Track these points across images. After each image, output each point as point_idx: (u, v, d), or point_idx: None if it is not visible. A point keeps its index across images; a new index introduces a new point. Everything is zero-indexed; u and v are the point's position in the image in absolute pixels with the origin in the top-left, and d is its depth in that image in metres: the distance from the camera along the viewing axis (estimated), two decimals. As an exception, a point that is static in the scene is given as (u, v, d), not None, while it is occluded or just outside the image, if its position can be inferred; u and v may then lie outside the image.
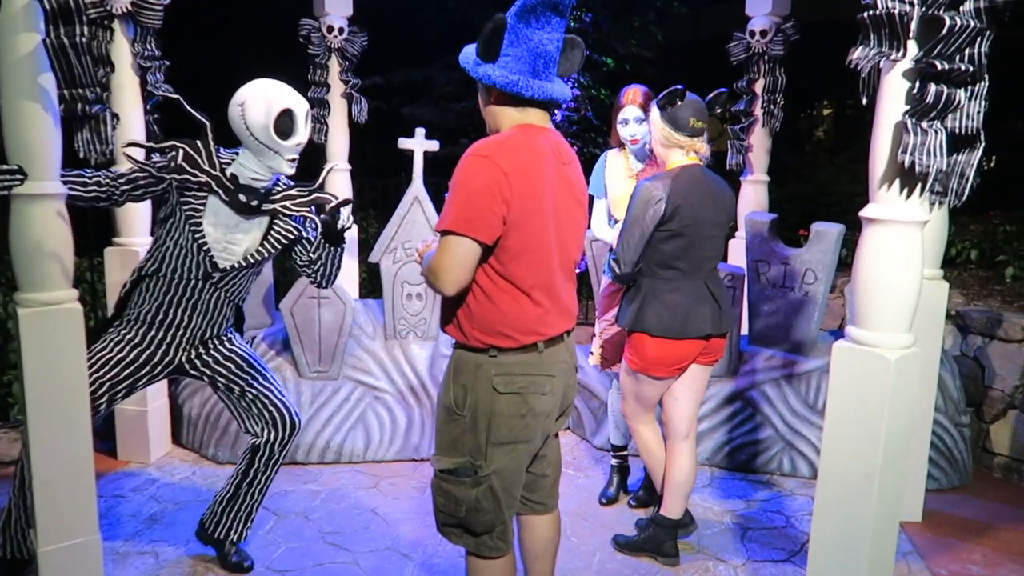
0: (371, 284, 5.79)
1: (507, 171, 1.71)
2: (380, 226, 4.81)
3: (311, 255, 2.58)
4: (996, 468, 3.77)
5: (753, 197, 4.48)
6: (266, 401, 2.63)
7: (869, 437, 2.06)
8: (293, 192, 2.53)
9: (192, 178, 2.39)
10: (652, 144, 2.67)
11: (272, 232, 2.53)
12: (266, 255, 2.53)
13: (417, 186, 3.78)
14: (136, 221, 3.55)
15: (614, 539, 2.97)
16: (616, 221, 3.06)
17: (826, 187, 7.60)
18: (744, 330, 3.97)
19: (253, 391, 2.63)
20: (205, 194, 2.42)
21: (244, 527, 2.74)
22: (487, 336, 1.83)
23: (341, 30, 4.37)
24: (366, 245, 4.76)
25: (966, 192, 2.00)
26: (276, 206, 2.50)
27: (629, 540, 2.93)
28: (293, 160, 2.44)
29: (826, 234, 3.60)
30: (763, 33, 4.18)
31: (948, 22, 1.80)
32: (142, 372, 2.52)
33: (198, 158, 2.40)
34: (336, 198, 2.48)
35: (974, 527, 3.19)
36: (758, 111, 4.35)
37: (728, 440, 3.68)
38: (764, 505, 3.34)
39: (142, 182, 2.43)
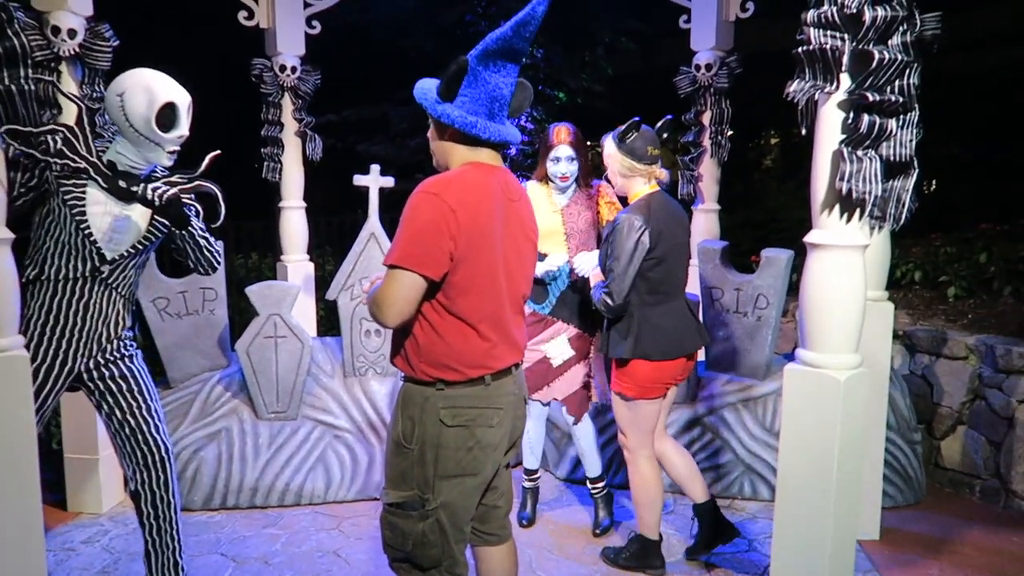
0: (328, 321, 5.74)
1: (455, 208, 1.75)
2: (336, 263, 4.79)
3: (193, 242, 2.53)
4: (948, 483, 3.86)
5: (705, 225, 4.58)
6: (141, 437, 2.53)
7: (823, 457, 2.11)
8: (174, 179, 2.47)
9: (71, 163, 2.33)
10: (609, 175, 2.75)
11: (155, 219, 2.47)
12: (152, 241, 2.49)
13: (373, 222, 3.79)
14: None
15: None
16: (543, 255, 3.12)
17: (776, 213, 7.80)
18: (700, 356, 4.03)
19: (131, 424, 2.52)
20: (84, 181, 2.37)
21: (179, 566, 2.64)
22: (434, 369, 1.85)
23: (294, 69, 4.38)
24: (323, 282, 4.73)
25: (903, 216, 2.08)
26: (157, 195, 2.41)
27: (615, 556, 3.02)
28: (173, 152, 2.40)
29: (776, 260, 3.69)
30: (708, 67, 4.31)
31: (877, 56, 1.90)
32: (46, 389, 2.42)
33: (76, 143, 2.35)
34: (215, 187, 2.46)
35: (931, 543, 3.25)
36: (706, 142, 4.47)
37: (689, 466, 3.71)
38: (727, 529, 3.36)
39: (26, 175, 2.34)
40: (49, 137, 2.33)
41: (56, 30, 3.14)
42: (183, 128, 2.39)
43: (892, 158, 2.02)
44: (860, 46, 1.94)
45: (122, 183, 2.38)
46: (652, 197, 2.70)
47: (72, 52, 3.21)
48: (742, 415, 3.72)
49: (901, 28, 1.97)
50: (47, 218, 2.38)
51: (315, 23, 4.38)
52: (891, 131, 1.96)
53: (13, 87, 2.20)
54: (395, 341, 1.94)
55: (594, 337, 3.23)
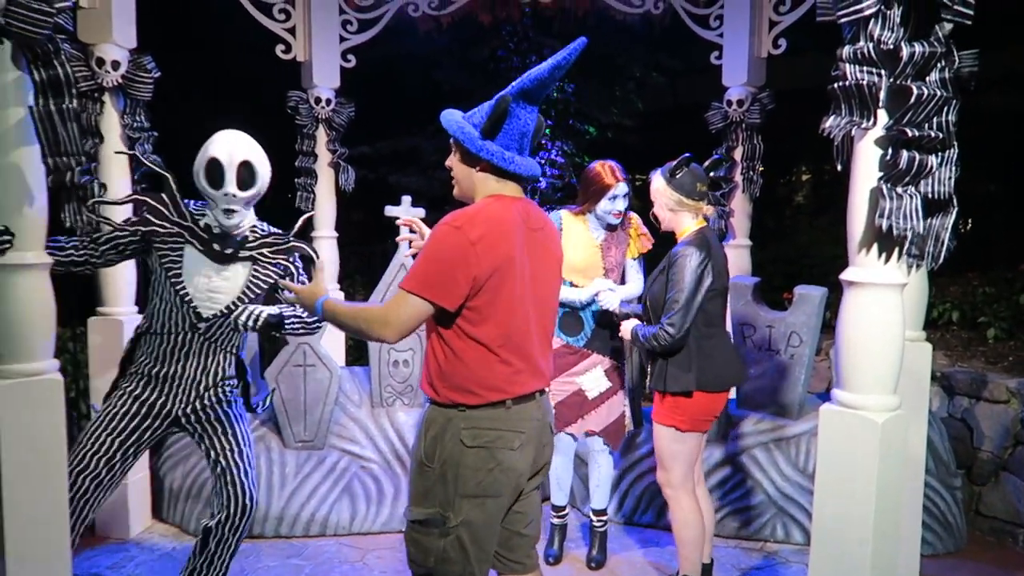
0: (357, 351, 5.76)
1: (475, 241, 1.82)
2: (366, 293, 4.82)
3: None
4: (990, 531, 3.72)
5: (736, 261, 4.53)
6: (228, 478, 2.60)
7: (860, 502, 2.05)
8: (269, 240, 2.58)
9: (160, 230, 2.46)
10: (656, 210, 2.74)
11: (252, 279, 2.57)
12: (251, 299, 2.56)
13: (403, 253, 3.81)
14: (121, 290, 3.53)
15: None
16: (571, 284, 3.13)
17: (807, 249, 7.72)
18: (732, 393, 3.96)
19: (222, 464, 2.61)
20: (180, 245, 2.49)
21: None
22: (454, 393, 1.90)
23: (328, 101, 4.46)
24: (352, 312, 4.75)
25: (942, 255, 2.04)
26: (253, 253, 2.55)
27: None
28: (228, 211, 2.45)
29: (809, 297, 3.64)
30: (740, 103, 4.30)
31: (916, 91, 1.87)
32: (145, 424, 2.56)
33: (164, 210, 2.47)
34: (311, 248, 2.61)
35: (971, 593, 3.13)
36: (738, 177, 4.44)
37: (719, 507, 3.63)
38: (758, 574, 3.27)
39: (123, 240, 2.49)
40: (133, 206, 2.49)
41: (100, 61, 3.24)
42: (229, 186, 2.43)
43: (931, 196, 1.98)
44: (897, 82, 1.92)
45: (216, 246, 2.49)
46: (702, 232, 2.72)
47: (115, 83, 3.31)
48: (774, 455, 3.64)
49: (939, 64, 1.94)
50: (151, 276, 2.52)
51: (350, 57, 4.47)
52: (931, 168, 1.92)
53: (54, 111, 2.25)
54: (425, 368, 2.00)
55: (623, 367, 3.20)
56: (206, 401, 2.61)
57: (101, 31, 3.23)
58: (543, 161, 7.34)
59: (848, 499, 2.07)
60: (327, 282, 4.66)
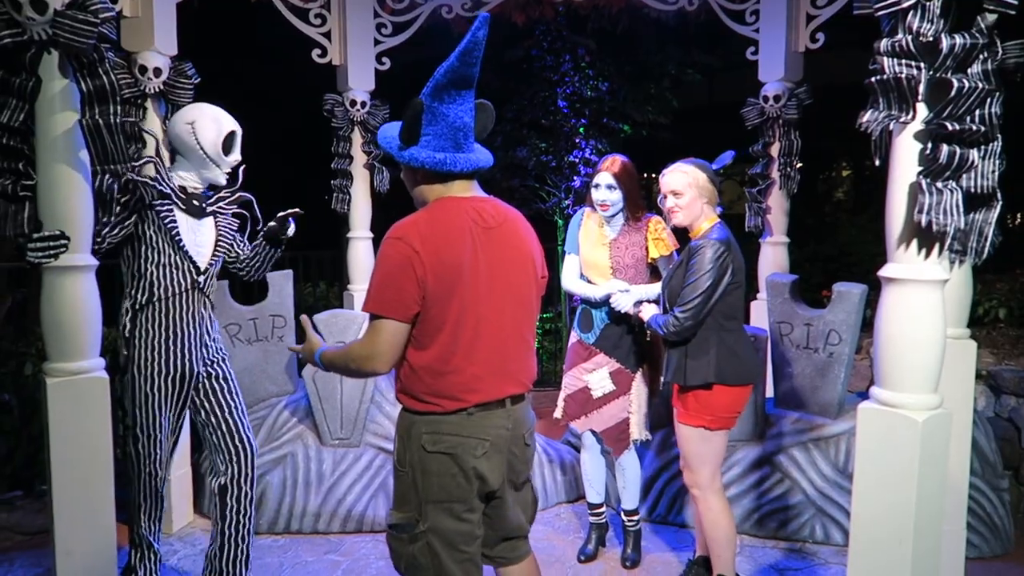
0: (393, 350, 5.81)
1: (418, 249, 1.79)
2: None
3: (246, 252, 2.94)
4: (1039, 534, 3.62)
5: (773, 259, 4.48)
6: (234, 435, 2.83)
7: (900, 502, 2.01)
8: (223, 194, 2.85)
9: (161, 188, 2.63)
10: (686, 202, 2.69)
11: (219, 229, 2.82)
12: (226, 248, 2.83)
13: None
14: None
15: None
16: (588, 280, 3.17)
17: (847, 247, 7.58)
18: (769, 392, 3.92)
19: (228, 422, 2.82)
20: (171, 207, 2.67)
21: (248, 558, 2.88)
22: (414, 402, 1.91)
23: (364, 104, 4.51)
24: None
25: (986, 250, 1.99)
26: (214, 208, 2.81)
27: None
28: (228, 173, 2.77)
29: (849, 295, 3.58)
30: (776, 98, 4.25)
31: (956, 84, 1.83)
32: (176, 396, 2.73)
33: (161, 171, 2.68)
34: (250, 197, 2.89)
35: (1019, 597, 3.05)
36: (775, 174, 4.39)
37: (757, 506, 3.59)
38: (797, 575, 3.23)
39: (128, 220, 2.60)
40: (143, 168, 2.64)
41: (143, 69, 3.32)
42: (237, 153, 2.77)
43: (973, 190, 1.94)
44: (937, 75, 1.88)
45: (195, 203, 2.73)
46: (722, 223, 2.73)
47: (157, 89, 3.39)
48: (813, 455, 3.58)
49: (981, 56, 1.90)
50: (141, 247, 2.64)
51: (385, 59, 4.51)
52: (972, 162, 1.88)
53: (102, 122, 2.32)
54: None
55: (635, 373, 3.17)
56: (211, 356, 2.81)
57: (143, 39, 3.31)
58: (577, 160, 7.32)
59: (887, 499, 2.03)
60: (359, 283, 4.71)
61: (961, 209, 1.90)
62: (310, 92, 4.81)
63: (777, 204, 4.44)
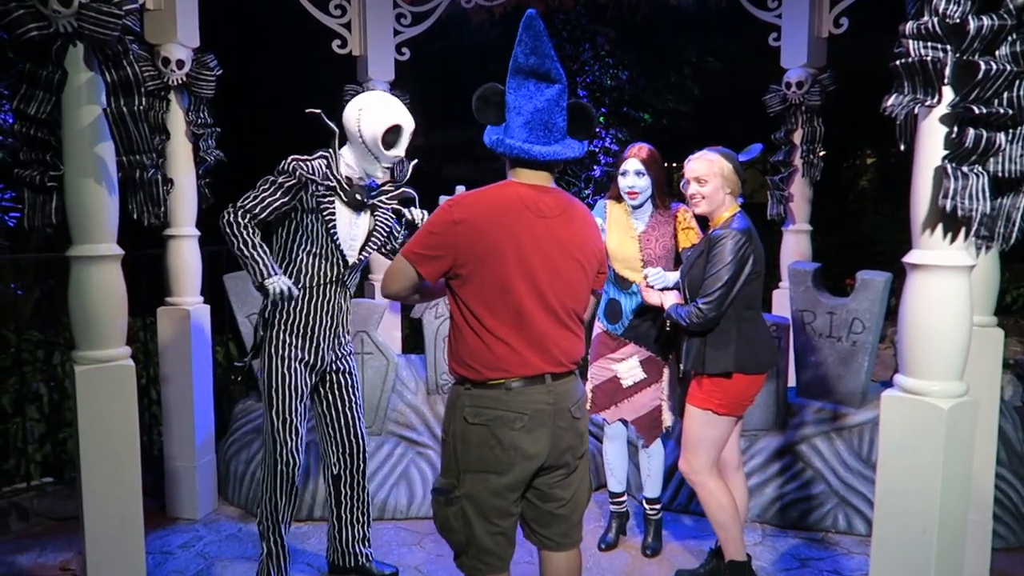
0: (413, 340, 5.84)
1: (459, 221, 1.93)
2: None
3: (396, 245, 2.91)
4: (1067, 525, 3.56)
5: (795, 247, 4.44)
6: (351, 429, 2.90)
7: (925, 491, 1.99)
8: (386, 188, 2.82)
9: (318, 185, 2.61)
10: (710, 191, 2.68)
11: (375, 225, 2.79)
12: (377, 245, 2.82)
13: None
14: (188, 281, 3.66)
15: None
16: (616, 273, 3.15)
17: (872, 236, 7.50)
18: (791, 381, 3.89)
19: (347, 416, 2.88)
20: (332, 197, 2.65)
21: (367, 538, 3.02)
22: (460, 368, 2.01)
23: (384, 94, 4.51)
24: (409, 301, 4.81)
25: (1013, 236, 1.96)
26: (376, 201, 2.78)
27: None
28: (387, 168, 2.71)
29: (872, 283, 3.54)
30: (799, 85, 4.20)
31: (984, 67, 1.80)
32: (303, 382, 2.74)
33: (333, 164, 2.65)
34: (414, 194, 2.87)
35: (1046, 589, 3.01)
36: (797, 161, 4.34)
37: (779, 496, 3.57)
38: (819, 565, 3.21)
39: (278, 204, 2.59)
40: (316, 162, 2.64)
41: (166, 61, 3.36)
42: (401, 149, 2.68)
43: (1001, 174, 1.90)
44: (964, 57, 1.85)
45: (358, 196, 2.70)
46: (742, 212, 2.72)
47: (180, 81, 3.42)
48: (836, 444, 3.56)
49: (1009, 38, 1.86)
50: (297, 233, 2.68)
51: (404, 50, 4.51)
52: (999, 145, 1.85)
53: (126, 112, 2.35)
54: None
55: (666, 362, 3.17)
56: (343, 350, 2.85)
57: (166, 31, 3.35)
58: (597, 149, 7.29)
59: (912, 488, 2.01)
60: (379, 272, 4.73)
61: (988, 194, 1.87)
62: (331, 83, 4.82)
63: (799, 192, 4.40)
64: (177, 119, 3.53)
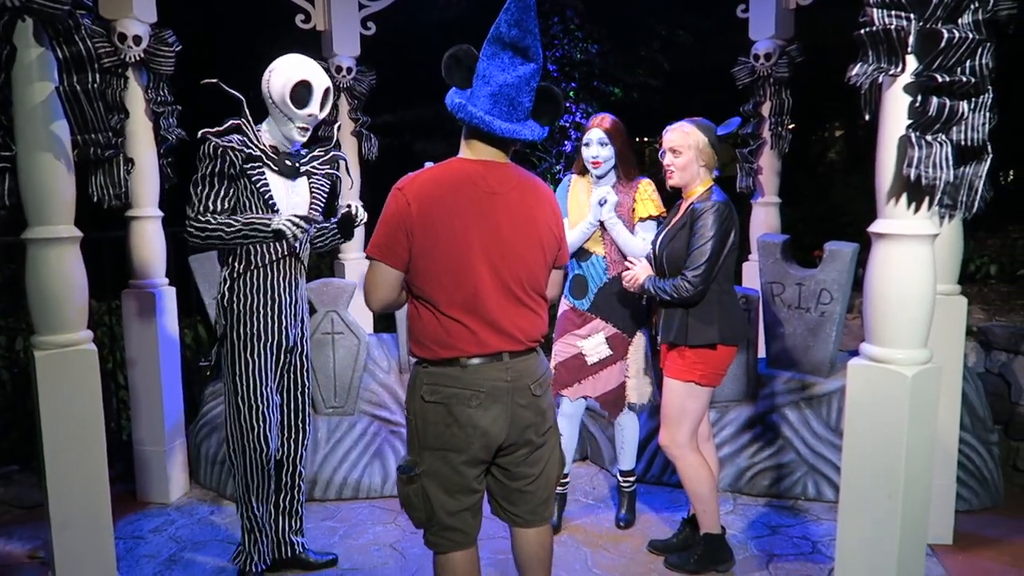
0: (385, 319, 5.81)
1: (411, 202, 1.89)
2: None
3: (336, 205, 2.82)
4: (1028, 487, 3.67)
5: (765, 219, 4.47)
6: (298, 415, 2.84)
7: (890, 456, 2.03)
8: (316, 152, 2.75)
9: (246, 159, 2.53)
10: (682, 163, 2.69)
11: (313, 190, 2.73)
12: (319, 211, 2.74)
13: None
14: (152, 263, 3.60)
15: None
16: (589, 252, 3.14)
17: (841, 207, 7.57)
18: (761, 353, 3.93)
19: (297, 401, 2.83)
20: (263, 168, 2.57)
21: (299, 527, 2.95)
22: (418, 348, 2.00)
23: (349, 70, 4.44)
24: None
25: (976, 204, 1.98)
26: (308, 167, 2.70)
27: (682, 563, 2.92)
28: (304, 129, 2.60)
29: (840, 253, 3.57)
30: (767, 56, 4.20)
31: (946, 35, 1.81)
32: (278, 363, 2.72)
33: (249, 133, 2.56)
34: (344, 157, 2.82)
35: (1007, 548, 3.10)
36: (766, 133, 4.35)
37: (749, 466, 3.62)
38: (789, 531, 3.27)
39: (227, 188, 2.52)
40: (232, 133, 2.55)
41: (122, 37, 3.26)
42: (315, 107, 2.57)
43: (964, 143, 1.92)
44: (927, 25, 1.85)
45: (288, 162, 2.63)
46: (719, 189, 2.73)
47: (137, 58, 3.33)
48: (805, 414, 3.61)
49: (972, 6, 1.87)
50: (237, 213, 2.58)
51: (370, 24, 4.44)
52: (962, 114, 1.86)
53: (79, 89, 2.28)
54: None
55: (632, 338, 3.15)
56: (303, 329, 2.78)
57: (122, 6, 3.24)
58: (568, 124, 7.25)
59: (877, 454, 2.05)
60: (350, 251, 4.69)
61: (951, 162, 1.89)
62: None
63: (768, 164, 4.42)
64: (136, 97, 3.43)
